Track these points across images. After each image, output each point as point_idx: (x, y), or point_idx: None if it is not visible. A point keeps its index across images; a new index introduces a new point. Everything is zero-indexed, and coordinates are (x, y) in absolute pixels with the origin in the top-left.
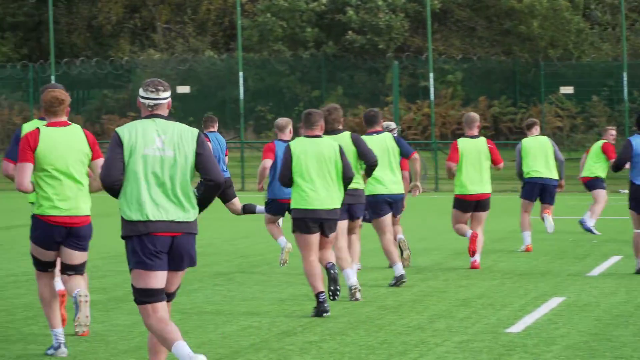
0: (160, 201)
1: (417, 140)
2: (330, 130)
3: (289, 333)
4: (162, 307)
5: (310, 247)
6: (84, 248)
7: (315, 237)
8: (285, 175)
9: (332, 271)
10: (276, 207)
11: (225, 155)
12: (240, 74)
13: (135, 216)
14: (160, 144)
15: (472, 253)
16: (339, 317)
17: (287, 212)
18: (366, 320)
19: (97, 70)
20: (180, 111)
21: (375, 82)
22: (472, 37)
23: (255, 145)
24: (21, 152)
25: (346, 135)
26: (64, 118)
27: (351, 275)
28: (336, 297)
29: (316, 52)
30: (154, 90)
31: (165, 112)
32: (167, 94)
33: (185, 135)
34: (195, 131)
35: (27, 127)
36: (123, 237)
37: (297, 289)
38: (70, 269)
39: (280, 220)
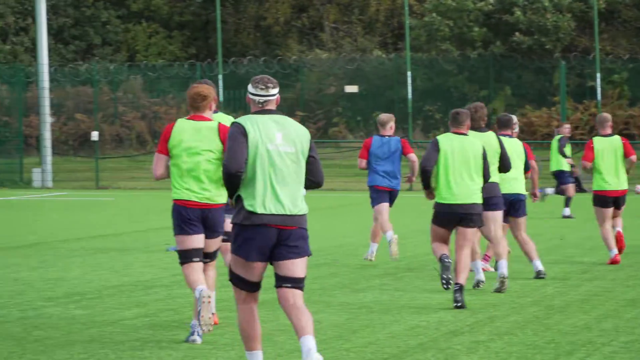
0: (280, 194)
1: (584, 140)
2: (476, 128)
3: (457, 333)
4: (253, 297)
5: (439, 240)
6: (216, 235)
7: (444, 232)
8: (427, 166)
9: (445, 260)
10: (376, 194)
11: None
12: (409, 73)
13: (251, 206)
14: (281, 140)
15: (620, 251)
16: (506, 316)
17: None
18: (533, 319)
19: (264, 70)
20: (349, 110)
21: (543, 82)
22: (639, 37)
23: (424, 145)
24: (159, 143)
25: (492, 135)
26: (207, 113)
27: (504, 266)
28: (448, 286)
29: (484, 52)
30: (263, 87)
31: (273, 108)
32: (276, 90)
33: (302, 134)
34: (308, 133)
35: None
36: (237, 224)
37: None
38: (205, 256)
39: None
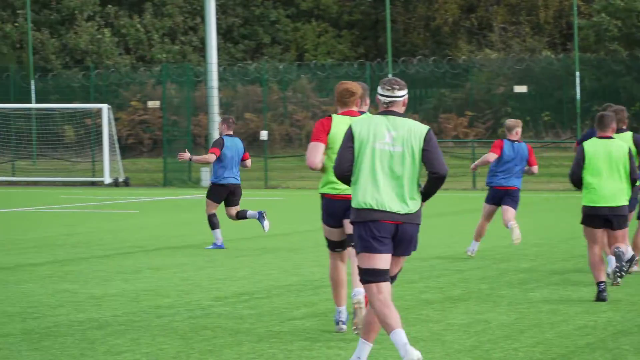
0: (385, 192)
1: None
2: (617, 129)
3: (625, 333)
4: (385, 287)
5: (593, 239)
6: None
7: (599, 232)
8: (576, 173)
9: (616, 249)
10: (492, 193)
11: (244, 160)
12: (577, 73)
13: (362, 204)
14: (390, 139)
15: None
16: None
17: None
18: None
19: (434, 69)
20: (517, 110)
21: None
22: None
23: None
24: (315, 134)
25: (628, 135)
26: (354, 108)
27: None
28: (621, 274)
29: None
30: (389, 88)
31: (400, 109)
32: (402, 92)
33: (414, 132)
34: (425, 129)
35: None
36: (352, 222)
37: (634, 289)
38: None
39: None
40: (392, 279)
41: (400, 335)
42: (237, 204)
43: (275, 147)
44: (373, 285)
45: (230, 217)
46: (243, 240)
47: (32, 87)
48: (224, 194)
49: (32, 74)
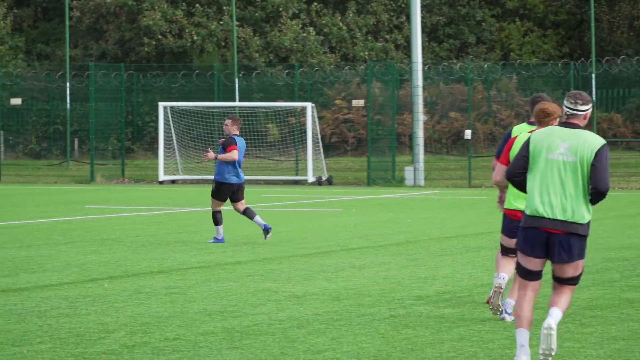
0: (552, 200)
1: None
2: None
3: None
4: (532, 285)
5: None
6: None
7: None
8: None
9: None
10: None
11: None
12: None
13: (528, 210)
14: (564, 150)
15: None
16: None
17: None
18: None
19: (637, 69)
20: None
21: None
22: None
23: None
24: (502, 153)
25: None
26: None
27: None
28: None
29: None
30: (573, 102)
31: (580, 122)
32: (584, 107)
33: (589, 143)
34: (599, 143)
35: (515, 130)
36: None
37: None
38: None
39: None
40: (568, 280)
41: (522, 335)
42: (242, 198)
43: (479, 146)
44: (521, 279)
45: (238, 211)
46: (446, 239)
47: (236, 85)
48: (228, 192)
49: (237, 72)
